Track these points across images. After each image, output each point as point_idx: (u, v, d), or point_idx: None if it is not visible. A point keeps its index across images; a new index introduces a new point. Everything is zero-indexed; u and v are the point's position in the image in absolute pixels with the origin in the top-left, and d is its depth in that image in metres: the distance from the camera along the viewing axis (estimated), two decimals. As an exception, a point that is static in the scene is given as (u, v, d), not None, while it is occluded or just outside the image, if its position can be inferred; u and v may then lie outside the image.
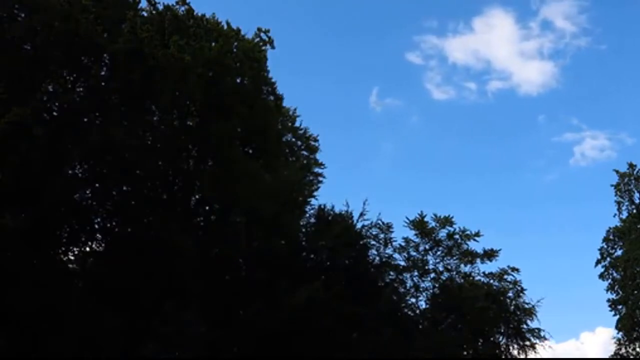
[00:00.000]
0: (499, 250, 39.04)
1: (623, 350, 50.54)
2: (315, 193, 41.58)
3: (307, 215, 38.47)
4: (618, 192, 53.23)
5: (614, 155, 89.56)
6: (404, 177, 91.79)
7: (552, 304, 71.82)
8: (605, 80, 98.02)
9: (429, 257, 39.01)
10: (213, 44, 32.93)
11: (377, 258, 38.32)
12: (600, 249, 53.76)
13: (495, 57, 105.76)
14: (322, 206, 38.06)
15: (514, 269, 38.94)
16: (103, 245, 31.47)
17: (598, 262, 53.59)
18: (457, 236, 38.84)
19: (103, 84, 30.78)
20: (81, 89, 30.40)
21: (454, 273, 39.23)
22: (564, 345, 70.19)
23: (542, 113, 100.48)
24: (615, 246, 53.34)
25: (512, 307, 38.79)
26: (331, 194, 71.10)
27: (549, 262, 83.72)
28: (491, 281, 39.04)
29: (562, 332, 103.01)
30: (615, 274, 52.55)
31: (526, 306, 38.60)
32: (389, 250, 38.70)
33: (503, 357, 38.11)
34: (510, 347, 38.46)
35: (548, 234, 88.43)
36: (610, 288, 52.51)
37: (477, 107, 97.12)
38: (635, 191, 52.97)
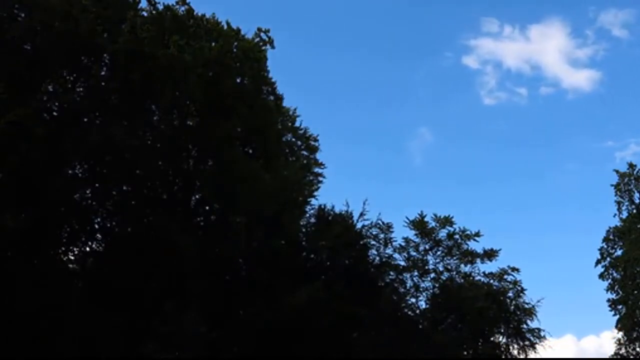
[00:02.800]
0: (499, 250, 39.14)
1: (623, 351, 50.51)
2: (315, 193, 41.63)
3: (307, 215, 38.50)
4: (618, 192, 53.21)
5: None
6: (427, 175, 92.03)
7: (575, 302, 73.93)
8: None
9: (429, 257, 39.04)
10: (213, 44, 32.90)
11: (377, 258, 38.33)
12: (600, 249, 53.79)
13: (547, 64, 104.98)
14: (322, 206, 38.09)
15: (514, 269, 38.95)
16: (103, 245, 31.48)
17: (598, 262, 53.62)
18: (457, 236, 38.85)
19: (103, 84, 30.81)
20: (81, 89, 30.43)
21: (454, 273, 39.22)
22: (585, 340, 71.57)
23: (587, 119, 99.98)
24: (616, 246, 53.36)
25: (512, 307, 38.78)
26: (331, 194, 71.28)
27: (569, 261, 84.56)
28: (491, 281, 39.06)
29: (584, 329, 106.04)
30: (615, 274, 52.56)
31: (526, 306, 38.61)
32: (389, 250, 38.75)
33: (503, 357, 38.11)
34: (510, 347, 38.47)
35: (570, 234, 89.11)
36: (610, 288, 52.50)
37: (523, 111, 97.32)
38: (635, 191, 52.94)
